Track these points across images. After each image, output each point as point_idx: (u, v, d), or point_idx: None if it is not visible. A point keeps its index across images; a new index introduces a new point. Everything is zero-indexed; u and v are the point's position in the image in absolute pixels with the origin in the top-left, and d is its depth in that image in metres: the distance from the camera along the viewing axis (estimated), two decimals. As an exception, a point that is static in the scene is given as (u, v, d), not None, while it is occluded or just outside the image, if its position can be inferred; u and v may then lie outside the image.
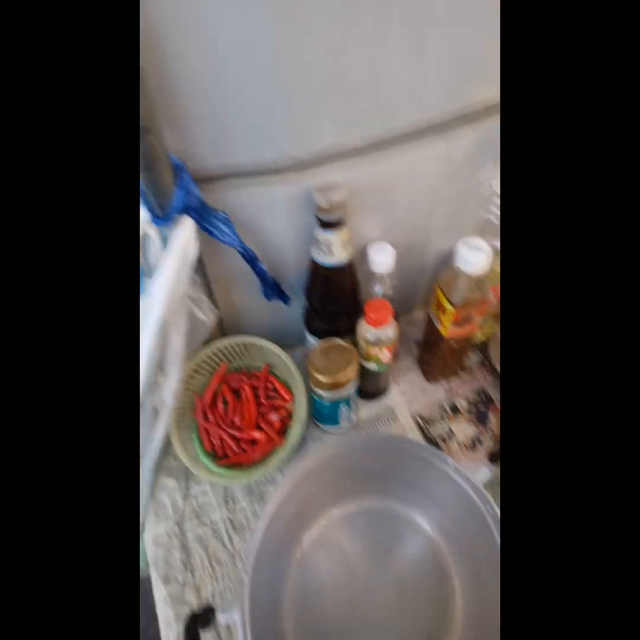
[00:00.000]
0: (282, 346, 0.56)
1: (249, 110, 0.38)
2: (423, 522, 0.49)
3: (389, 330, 0.49)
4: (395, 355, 0.62)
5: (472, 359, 0.63)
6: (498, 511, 0.39)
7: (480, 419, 0.57)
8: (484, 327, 0.61)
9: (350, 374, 0.47)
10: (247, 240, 0.45)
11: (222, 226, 0.42)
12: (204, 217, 0.41)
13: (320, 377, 0.47)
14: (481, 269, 0.45)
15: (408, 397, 0.59)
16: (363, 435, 0.45)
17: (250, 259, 0.46)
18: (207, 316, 0.50)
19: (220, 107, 0.37)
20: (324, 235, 0.44)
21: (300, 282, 0.53)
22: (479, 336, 0.63)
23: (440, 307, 0.50)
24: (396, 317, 0.56)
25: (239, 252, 0.45)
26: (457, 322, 0.50)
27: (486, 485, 0.40)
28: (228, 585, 0.48)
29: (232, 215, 0.43)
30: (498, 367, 0.58)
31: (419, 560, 0.48)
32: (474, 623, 0.43)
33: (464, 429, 0.56)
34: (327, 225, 0.43)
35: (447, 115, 0.44)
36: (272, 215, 0.47)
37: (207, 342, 0.56)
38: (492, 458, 0.42)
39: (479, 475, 0.41)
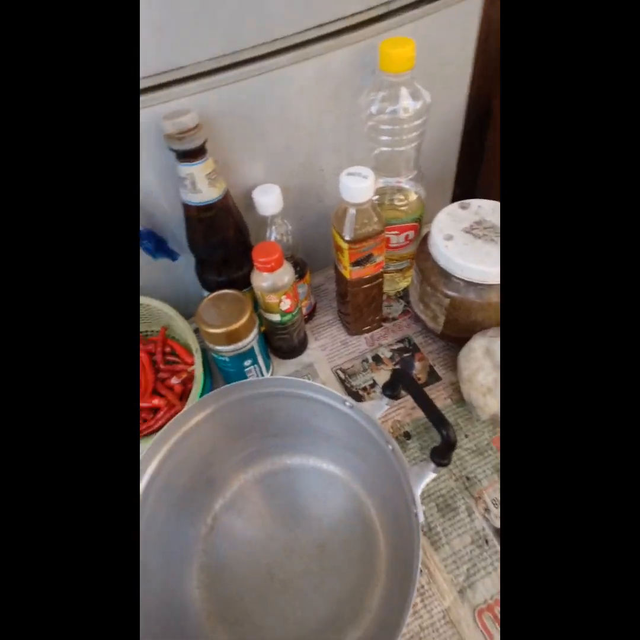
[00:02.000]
0: (188, 314, 0.53)
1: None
2: (344, 475, 0.46)
3: (285, 276, 0.46)
4: (312, 311, 0.59)
5: (395, 307, 0.60)
6: (397, 446, 0.36)
7: (405, 367, 0.54)
8: (404, 272, 0.59)
9: (244, 323, 0.44)
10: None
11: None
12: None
13: (210, 330, 0.43)
14: (364, 197, 0.42)
15: (328, 352, 0.56)
16: (253, 380, 0.42)
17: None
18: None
19: None
20: (183, 169, 0.41)
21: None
22: (401, 283, 0.60)
23: (338, 248, 0.47)
24: (305, 270, 0.54)
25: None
26: (357, 262, 0.47)
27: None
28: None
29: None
30: (418, 312, 0.55)
31: (342, 514, 0.45)
32: (396, 572, 0.41)
33: (387, 378, 0.53)
34: (184, 156, 0.40)
35: (314, 31, 0.41)
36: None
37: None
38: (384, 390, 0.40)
39: (377, 412, 0.38)
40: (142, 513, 0.38)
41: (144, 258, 0.50)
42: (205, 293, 0.52)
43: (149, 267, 0.52)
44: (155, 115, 0.40)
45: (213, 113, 0.42)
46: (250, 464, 0.47)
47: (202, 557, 0.44)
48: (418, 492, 0.33)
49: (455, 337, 0.51)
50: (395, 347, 0.56)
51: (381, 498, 0.43)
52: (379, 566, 0.42)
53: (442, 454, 0.34)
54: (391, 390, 0.39)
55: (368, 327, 0.57)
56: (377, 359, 0.55)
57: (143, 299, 0.52)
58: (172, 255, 0.52)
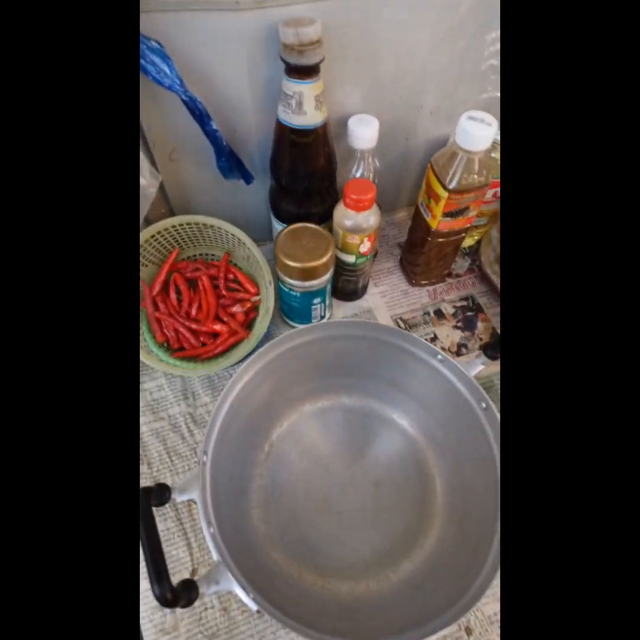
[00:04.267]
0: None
1: None
2: (402, 421, 0.47)
3: (371, 217, 0.44)
4: (375, 254, 0.58)
5: (460, 264, 0.59)
6: (493, 405, 0.37)
7: (468, 325, 0.54)
8: (476, 230, 0.57)
9: (325, 262, 0.43)
10: (196, 92, 0.38)
11: (157, 60, 0.34)
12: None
13: (290, 263, 0.42)
14: (483, 145, 0.40)
15: (388, 300, 0.56)
16: (339, 321, 0.42)
17: (199, 113, 0.38)
18: (146, 180, 0.40)
19: None
20: (292, 85, 0.37)
21: (265, 157, 0.45)
22: (468, 240, 0.59)
23: (431, 194, 0.45)
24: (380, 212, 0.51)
25: (183, 101, 0.37)
26: (450, 213, 0.45)
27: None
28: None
29: (172, 50, 0.35)
30: (489, 273, 0.55)
31: (398, 456, 0.46)
32: (455, 517, 0.42)
33: (449, 334, 0.54)
34: (297, 71, 0.36)
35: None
36: (226, 58, 0.39)
37: (150, 221, 0.49)
38: (484, 350, 0.40)
39: (472, 370, 0.39)
40: (225, 435, 0.38)
41: (212, 176, 0.46)
42: (276, 222, 0.50)
43: (216, 186, 0.49)
44: (268, 19, 0.36)
45: (331, 27, 0.38)
46: (310, 398, 0.48)
47: (259, 480, 0.45)
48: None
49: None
50: (459, 304, 0.56)
51: (443, 448, 0.44)
52: (434, 509, 0.44)
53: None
54: (493, 350, 0.39)
55: (432, 280, 0.56)
56: (439, 314, 0.55)
57: (213, 221, 0.49)
58: (247, 177, 0.48)
